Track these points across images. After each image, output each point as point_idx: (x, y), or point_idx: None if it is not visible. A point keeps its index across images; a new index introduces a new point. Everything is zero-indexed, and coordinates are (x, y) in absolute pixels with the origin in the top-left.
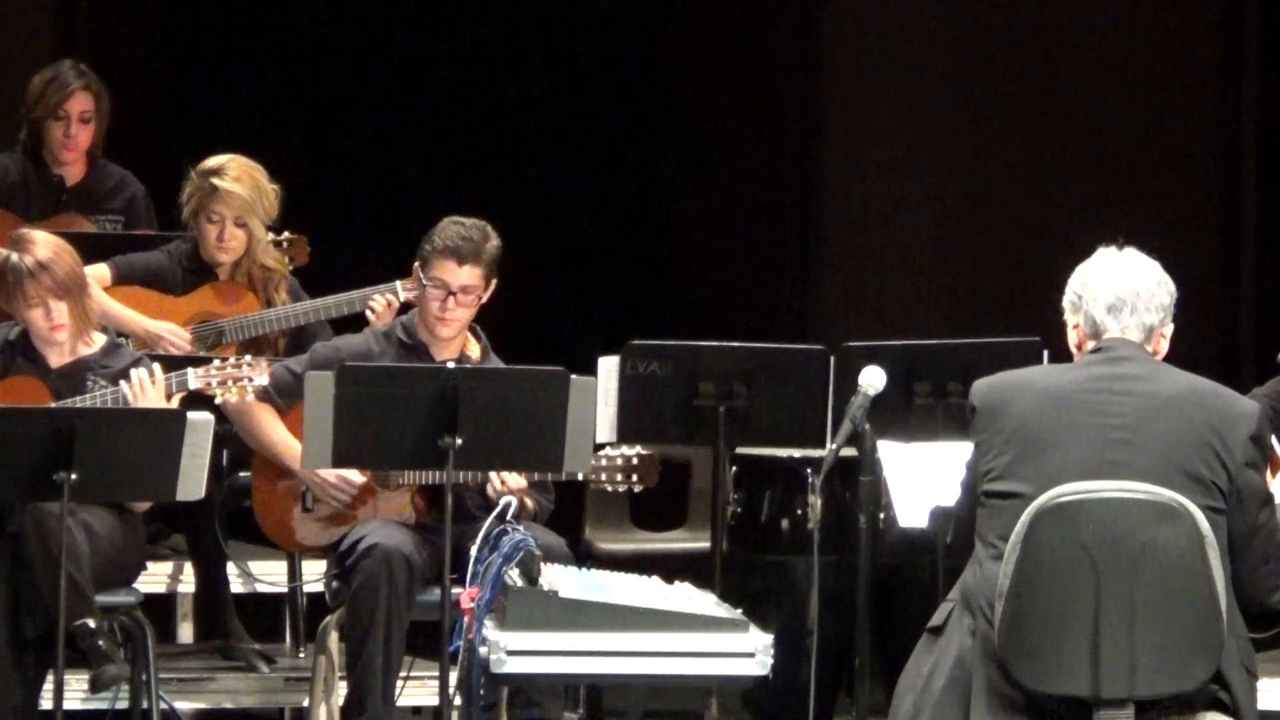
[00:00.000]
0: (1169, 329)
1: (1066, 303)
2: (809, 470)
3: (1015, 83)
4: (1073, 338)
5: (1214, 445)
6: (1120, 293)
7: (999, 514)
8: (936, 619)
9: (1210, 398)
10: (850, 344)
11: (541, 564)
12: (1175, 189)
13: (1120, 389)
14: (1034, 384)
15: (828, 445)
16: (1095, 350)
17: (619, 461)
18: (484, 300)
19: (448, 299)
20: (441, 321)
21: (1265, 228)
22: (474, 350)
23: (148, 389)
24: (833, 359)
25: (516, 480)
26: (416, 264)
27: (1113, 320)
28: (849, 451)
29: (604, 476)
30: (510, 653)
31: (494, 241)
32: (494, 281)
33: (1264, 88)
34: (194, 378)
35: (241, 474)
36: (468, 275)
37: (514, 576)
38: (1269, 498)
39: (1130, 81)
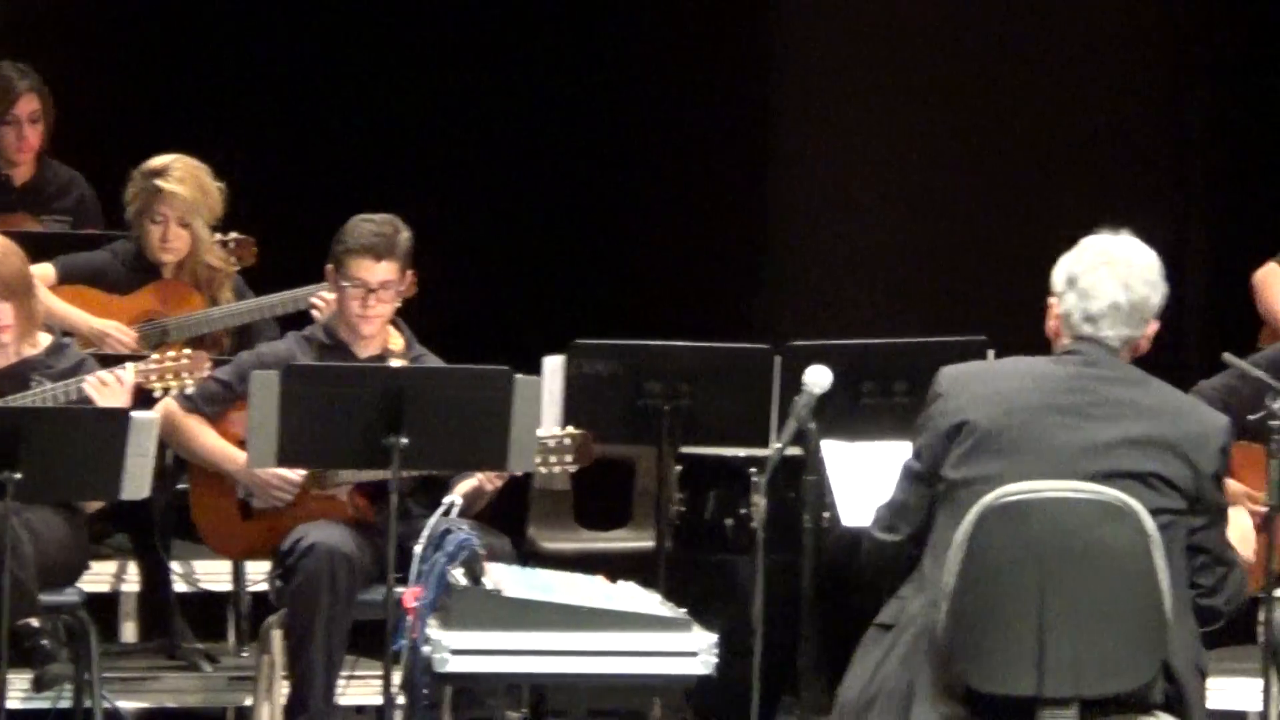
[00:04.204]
0: (1153, 328)
1: (1056, 283)
2: (754, 470)
3: (966, 83)
4: (1053, 321)
5: (1184, 453)
6: (1114, 300)
7: (961, 502)
8: (885, 616)
9: (1183, 409)
10: (796, 343)
11: (485, 563)
12: (1125, 188)
13: (1097, 390)
14: (1008, 374)
15: (773, 444)
16: (1069, 351)
17: (551, 443)
18: (403, 292)
19: (368, 297)
20: (364, 320)
21: (1214, 227)
22: (396, 342)
23: (113, 387)
24: (778, 358)
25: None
26: (329, 266)
27: (1097, 327)
28: (794, 451)
29: (538, 459)
30: (454, 652)
31: (405, 234)
32: (410, 273)
33: (1214, 87)
34: (133, 371)
35: (185, 478)
36: (385, 271)
37: (458, 575)
38: (1224, 508)
39: (1081, 81)
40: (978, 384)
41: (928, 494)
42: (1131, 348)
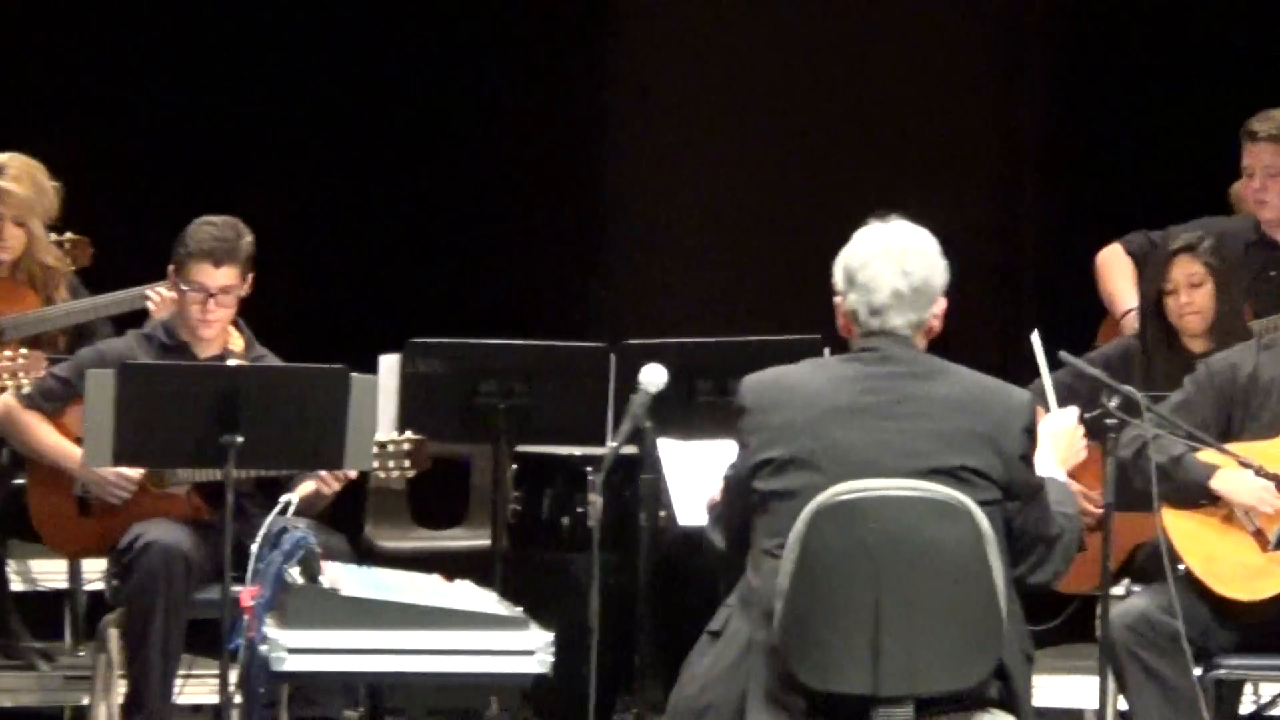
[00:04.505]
0: (941, 306)
1: (836, 282)
2: (589, 468)
3: (800, 83)
4: (841, 319)
5: (990, 440)
6: (895, 288)
7: (777, 514)
8: (715, 623)
9: (985, 394)
10: (631, 342)
11: (322, 562)
12: (957, 181)
13: (895, 388)
14: (807, 383)
15: (608, 443)
16: (866, 348)
17: (390, 448)
18: (243, 296)
19: (208, 301)
20: (204, 324)
21: (1046, 222)
22: (237, 343)
23: None
24: (614, 357)
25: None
26: (171, 267)
27: (883, 319)
28: (630, 449)
29: (376, 464)
30: (291, 651)
31: (247, 238)
32: (251, 276)
33: (1045, 79)
34: None
35: (21, 475)
36: (225, 276)
37: (294, 574)
38: (1040, 487)
39: (912, 78)
40: (778, 391)
41: (743, 505)
42: (924, 330)
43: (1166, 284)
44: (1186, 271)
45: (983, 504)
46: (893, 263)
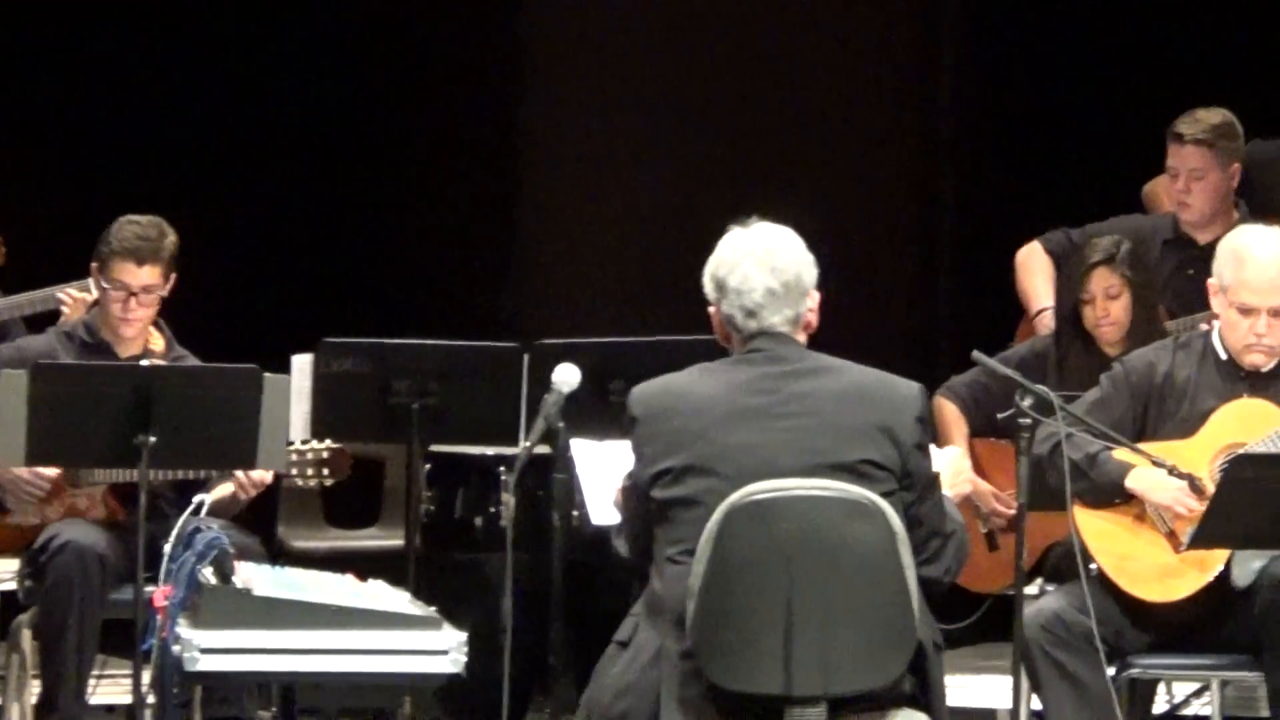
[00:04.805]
0: (815, 300)
1: (707, 292)
2: (503, 468)
3: (713, 81)
4: (717, 328)
5: (886, 431)
6: (767, 287)
7: (678, 522)
8: (622, 633)
9: (875, 386)
10: (544, 341)
11: (235, 562)
12: (874, 183)
13: (784, 387)
14: (696, 389)
15: (521, 443)
16: (751, 350)
17: (310, 456)
18: (165, 296)
19: (129, 300)
20: (125, 323)
21: (962, 222)
22: (157, 343)
23: None
24: (527, 357)
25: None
26: (94, 265)
27: (760, 320)
28: (543, 449)
29: (295, 471)
30: (204, 651)
31: (171, 238)
32: (174, 276)
33: (960, 81)
34: None
35: None
36: (148, 275)
37: (208, 574)
38: (936, 477)
39: (828, 78)
40: (667, 399)
41: (643, 514)
42: (803, 326)
43: (1084, 294)
44: (1104, 284)
45: (883, 495)
46: (761, 263)
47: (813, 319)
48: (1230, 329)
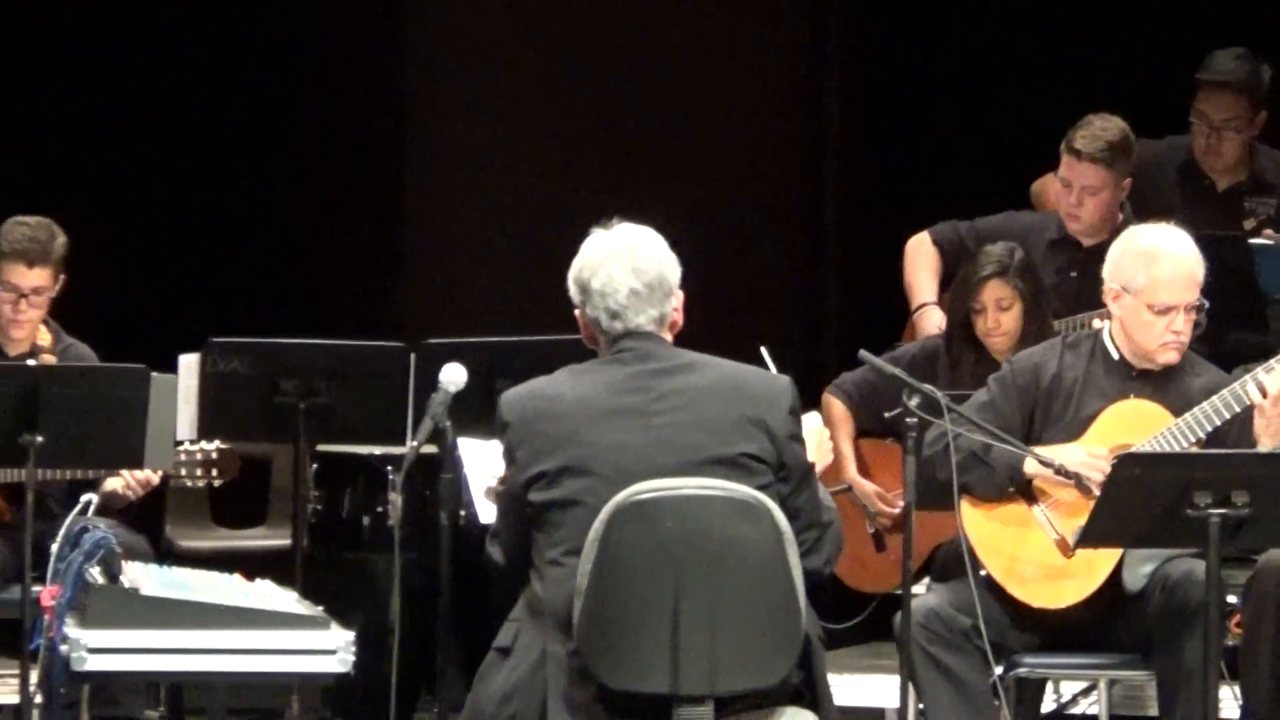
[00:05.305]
0: (679, 299)
1: (572, 295)
2: (390, 467)
3: (600, 80)
4: (584, 331)
5: (759, 424)
6: (630, 287)
7: (558, 524)
8: (503, 639)
9: (746, 380)
10: (431, 341)
11: (123, 561)
12: (760, 185)
13: (657, 384)
14: (567, 392)
15: (409, 442)
16: (620, 350)
17: (198, 456)
18: (54, 296)
19: (19, 302)
20: (15, 324)
21: (847, 223)
22: (44, 338)
23: None
24: (414, 356)
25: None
26: None
27: (625, 320)
28: (430, 448)
29: (183, 471)
30: (91, 650)
31: (61, 239)
32: (63, 277)
33: (844, 75)
34: None
35: None
36: (38, 277)
37: (95, 574)
38: (810, 468)
39: (714, 78)
40: (539, 402)
41: (518, 518)
42: (669, 325)
43: (975, 304)
44: (996, 295)
45: (761, 488)
46: (623, 264)
47: (678, 318)
48: (1142, 329)
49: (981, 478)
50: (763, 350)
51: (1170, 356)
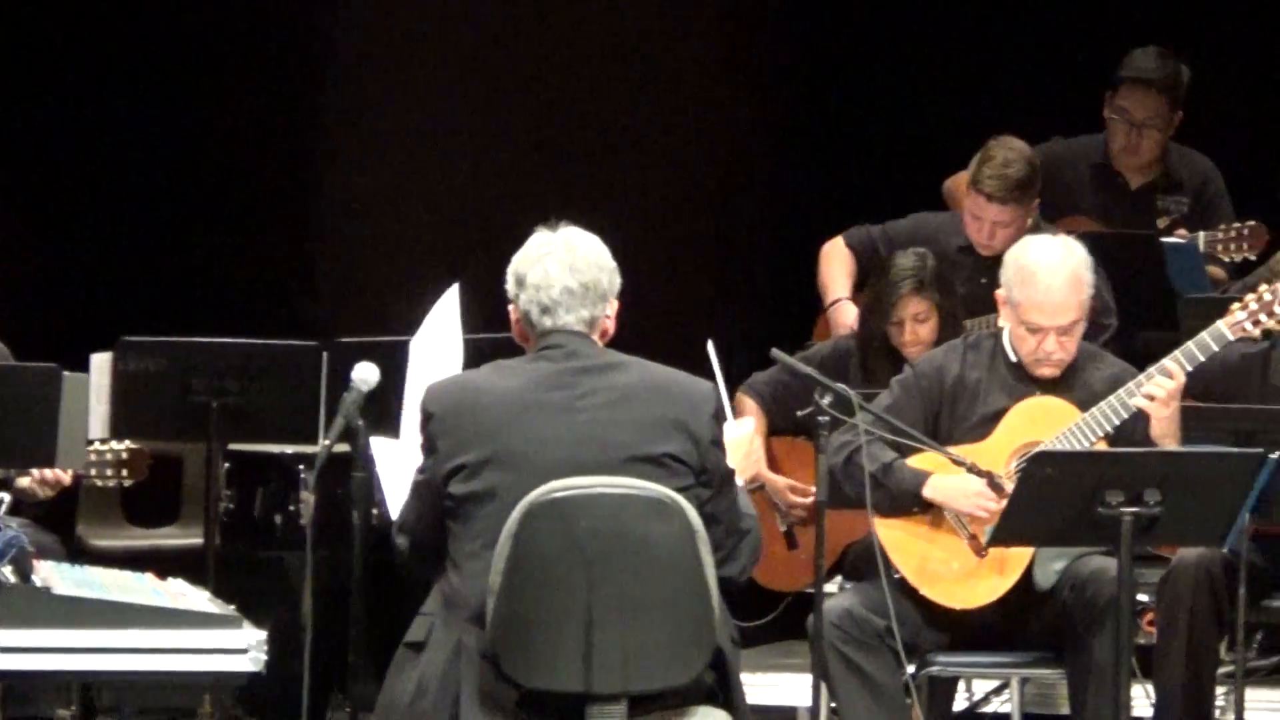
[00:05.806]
0: (614, 308)
1: (509, 288)
2: (302, 466)
3: (518, 77)
4: (515, 325)
5: (682, 427)
6: (565, 285)
7: (476, 517)
8: (416, 634)
9: (670, 383)
10: (343, 340)
11: (34, 560)
12: (675, 182)
13: (582, 382)
14: (492, 386)
15: (321, 441)
16: (545, 347)
17: (108, 456)
18: None
19: None
20: None
21: (762, 220)
22: None
23: None
24: (326, 355)
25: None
26: None
27: (555, 317)
28: (343, 447)
29: (94, 471)
30: (2, 650)
31: None
32: None
33: (764, 80)
34: None
35: None
36: None
37: (6, 573)
38: (731, 474)
39: (633, 75)
40: (463, 395)
41: (433, 510)
42: (600, 331)
43: (892, 318)
44: (913, 310)
45: (681, 490)
46: (561, 262)
47: (609, 326)
48: (1019, 340)
49: (882, 499)
50: (709, 346)
51: (1045, 371)
